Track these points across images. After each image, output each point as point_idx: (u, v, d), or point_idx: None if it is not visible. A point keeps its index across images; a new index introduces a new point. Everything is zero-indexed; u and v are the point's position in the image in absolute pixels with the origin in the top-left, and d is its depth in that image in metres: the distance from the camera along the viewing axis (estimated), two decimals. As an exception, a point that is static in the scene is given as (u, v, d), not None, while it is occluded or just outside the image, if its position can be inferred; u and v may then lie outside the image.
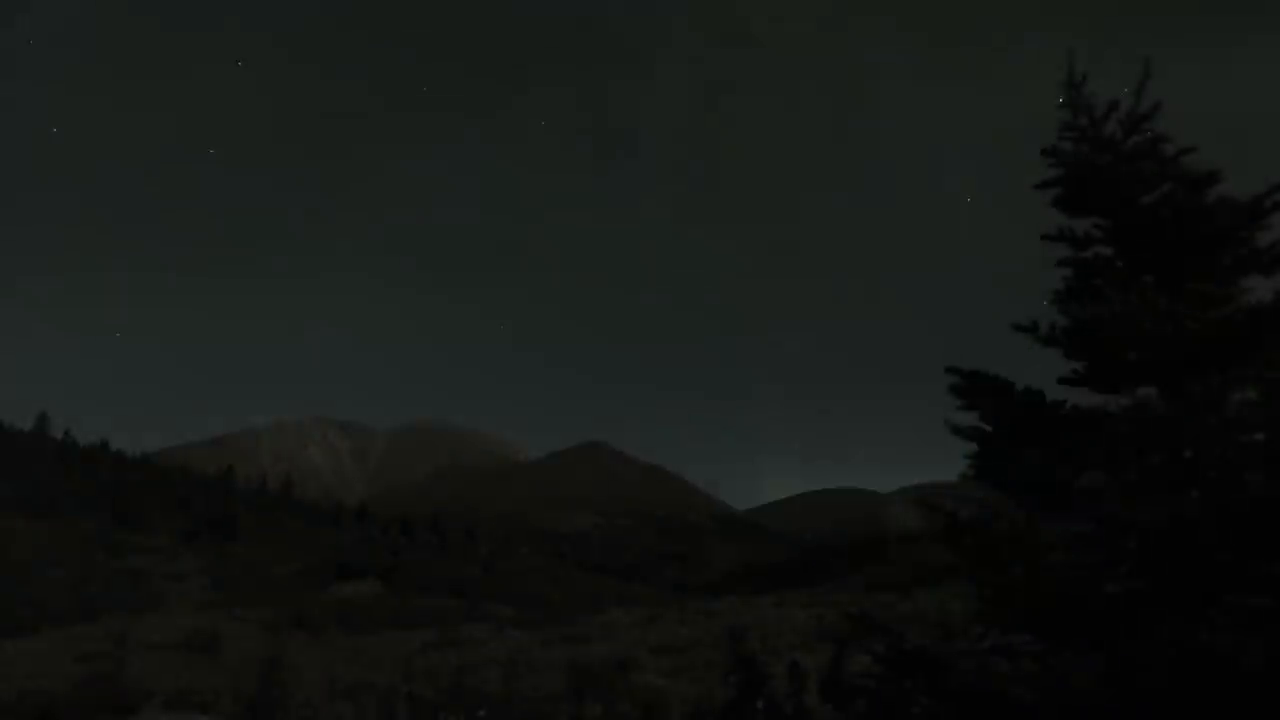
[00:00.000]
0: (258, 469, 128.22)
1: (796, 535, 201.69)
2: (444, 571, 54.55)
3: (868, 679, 5.14)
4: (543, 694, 19.87)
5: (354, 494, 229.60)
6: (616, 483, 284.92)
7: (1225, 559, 4.25)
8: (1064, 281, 5.53)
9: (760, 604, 36.27)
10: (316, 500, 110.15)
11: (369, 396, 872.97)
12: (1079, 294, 5.34)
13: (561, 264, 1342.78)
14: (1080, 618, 4.45)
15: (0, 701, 18.68)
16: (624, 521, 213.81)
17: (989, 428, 5.21)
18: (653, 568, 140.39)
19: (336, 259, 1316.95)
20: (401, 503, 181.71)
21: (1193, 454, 4.48)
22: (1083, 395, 5.27)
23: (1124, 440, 4.64)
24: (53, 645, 26.72)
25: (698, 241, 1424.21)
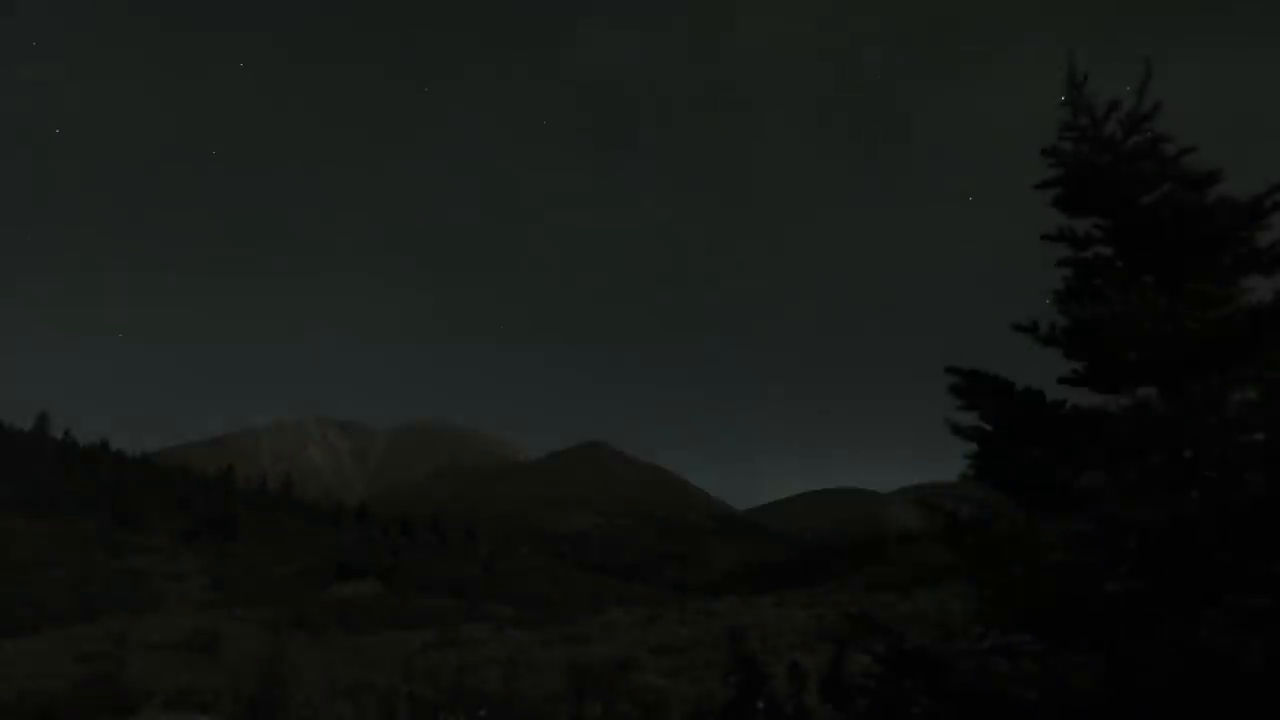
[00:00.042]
0: (258, 469, 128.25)
1: (796, 535, 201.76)
2: (444, 571, 54.52)
3: (868, 679, 5.14)
4: (543, 694, 19.87)
5: (354, 494, 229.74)
6: (616, 483, 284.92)
7: (1225, 559, 4.25)
8: (1064, 281, 5.54)
9: (760, 604, 36.25)
10: (316, 500, 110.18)
11: (369, 396, 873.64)
12: (1079, 294, 5.34)
13: (561, 264, 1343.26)
14: (1080, 618, 4.45)
15: (0, 701, 18.69)
16: (624, 521, 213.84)
17: (989, 428, 5.22)
18: (653, 568, 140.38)
19: (336, 259, 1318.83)
20: (401, 503, 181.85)
21: (1193, 454, 4.48)
22: (1083, 395, 5.28)
23: (1124, 440, 4.64)
24: (53, 645, 26.72)
25: (698, 242, 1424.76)
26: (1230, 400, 4.51)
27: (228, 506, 66.57)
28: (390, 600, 41.95)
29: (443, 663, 24.85)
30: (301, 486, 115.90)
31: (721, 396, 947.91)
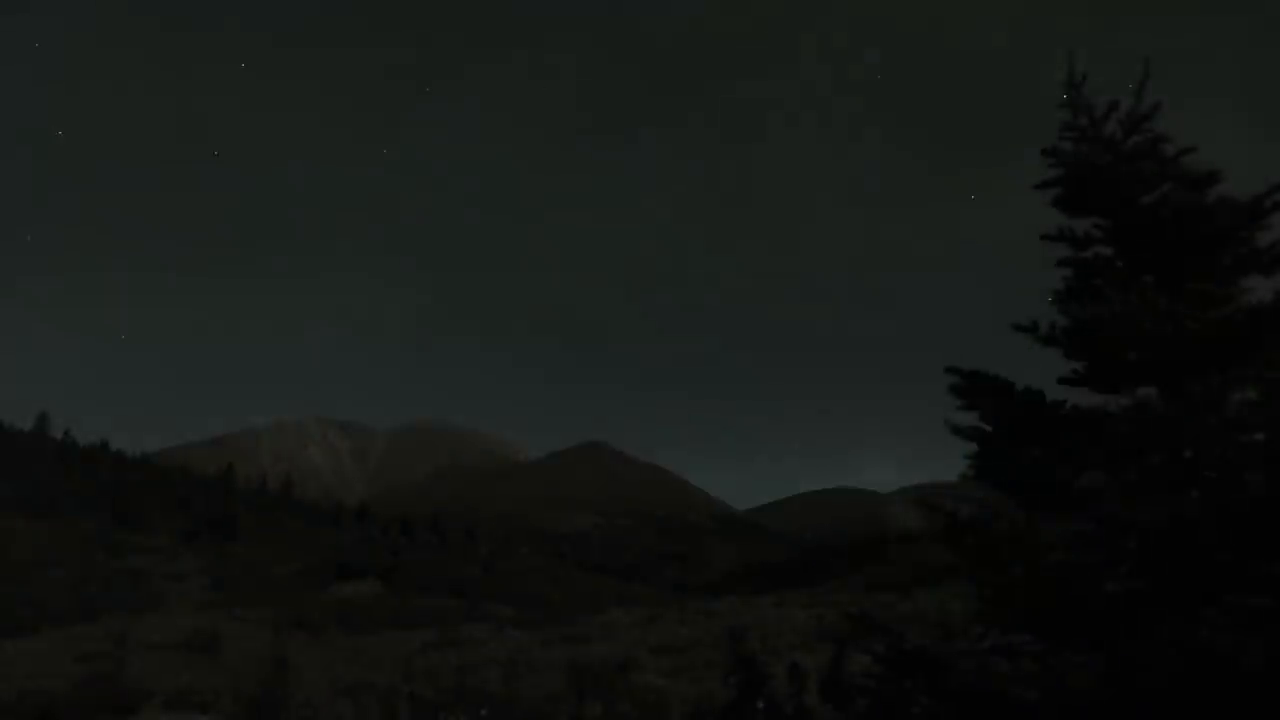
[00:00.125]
0: (258, 469, 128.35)
1: (796, 535, 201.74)
2: (444, 571, 54.52)
3: (868, 679, 5.15)
4: (543, 694, 19.87)
5: (354, 494, 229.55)
6: (616, 483, 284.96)
7: (1225, 559, 4.25)
8: (1064, 281, 5.54)
9: (760, 604, 36.24)
10: (316, 500, 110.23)
11: (369, 396, 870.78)
12: (1079, 294, 5.34)
13: (561, 264, 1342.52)
14: (1080, 618, 4.45)
15: (0, 701, 18.69)
16: (624, 521, 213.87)
17: (989, 428, 5.22)
18: (653, 568, 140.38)
19: (336, 259, 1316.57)
20: (401, 503, 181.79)
21: (1193, 454, 4.48)
22: (1083, 395, 5.28)
23: (1124, 440, 4.65)
24: (53, 645, 26.72)
25: (697, 241, 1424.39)
26: (1230, 400, 4.51)
27: (228, 506, 66.59)
28: (390, 600, 41.95)
29: (443, 663, 24.85)
30: (301, 486, 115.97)
31: (721, 396, 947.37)
